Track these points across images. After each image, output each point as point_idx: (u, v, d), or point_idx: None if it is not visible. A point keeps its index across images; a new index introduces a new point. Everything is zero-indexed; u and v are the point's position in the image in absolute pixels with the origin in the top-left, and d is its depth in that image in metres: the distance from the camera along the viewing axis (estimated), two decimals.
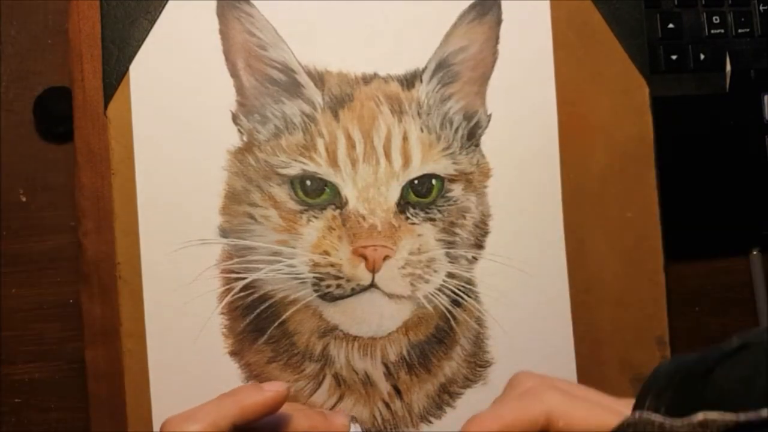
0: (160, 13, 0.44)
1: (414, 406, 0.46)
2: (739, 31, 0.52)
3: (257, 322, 0.44)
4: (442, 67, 0.46)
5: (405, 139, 0.45)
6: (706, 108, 0.51)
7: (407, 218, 0.45)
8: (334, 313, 0.45)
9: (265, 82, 0.45)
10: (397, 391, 0.45)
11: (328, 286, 0.44)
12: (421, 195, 0.45)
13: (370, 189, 0.44)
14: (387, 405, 0.45)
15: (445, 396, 0.46)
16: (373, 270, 0.44)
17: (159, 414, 0.43)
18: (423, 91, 0.46)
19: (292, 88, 0.45)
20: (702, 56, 0.51)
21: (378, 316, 0.45)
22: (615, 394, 0.37)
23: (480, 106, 0.46)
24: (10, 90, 0.47)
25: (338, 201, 0.44)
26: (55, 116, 0.46)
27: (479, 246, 0.46)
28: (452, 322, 0.46)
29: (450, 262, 0.46)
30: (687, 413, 0.26)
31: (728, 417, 0.26)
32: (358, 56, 0.45)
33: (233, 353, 0.44)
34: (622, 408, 0.32)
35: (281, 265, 0.44)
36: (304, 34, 0.45)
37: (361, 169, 0.44)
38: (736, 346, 0.29)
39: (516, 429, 0.33)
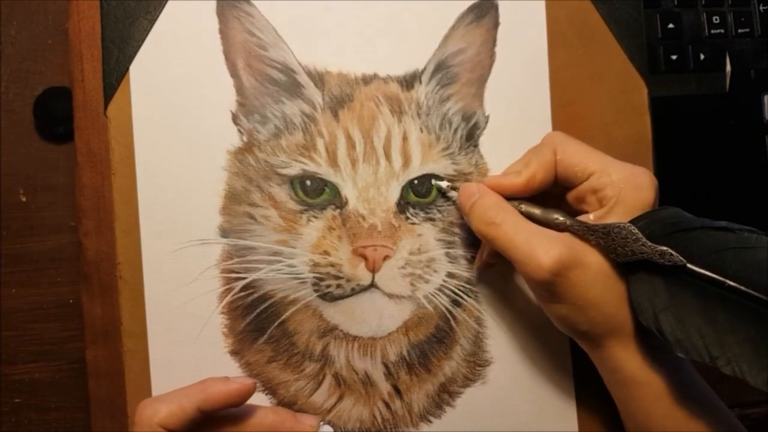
0: (160, 13, 0.44)
1: (414, 405, 0.46)
2: (739, 31, 0.52)
3: (257, 322, 0.44)
4: (441, 68, 0.46)
5: (405, 139, 0.45)
6: (706, 108, 0.51)
7: (407, 218, 0.45)
8: (334, 313, 0.45)
9: (265, 82, 0.45)
10: (397, 390, 0.46)
11: (328, 286, 0.44)
12: (421, 195, 0.45)
13: (370, 189, 0.45)
14: (387, 405, 0.45)
15: (444, 395, 0.46)
16: (373, 270, 0.44)
17: None
18: (422, 91, 0.46)
19: (292, 88, 0.45)
20: (702, 56, 0.51)
21: (378, 316, 0.45)
22: None
23: (478, 108, 0.47)
24: (10, 90, 0.47)
25: (338, 201, 0.44)
26: (55, 116, 0.46)
27: (479, 245, 0.46)
28: (452, 322, 0.46)
29: (450, 262, 0.46)
30: (658, 244, 0.36)
31: (677, 259, 0.35)
32: (358, 57, 0.45)
33: (233, 353, 0.44)
34: (615, 163, 0.40)
35: (281, 265, 0.44)
36: (304, 34, 0.45)
37: (361, 169, 0.45)
38: (720, 226, 0.36)
39: (537, 173, 0.41)
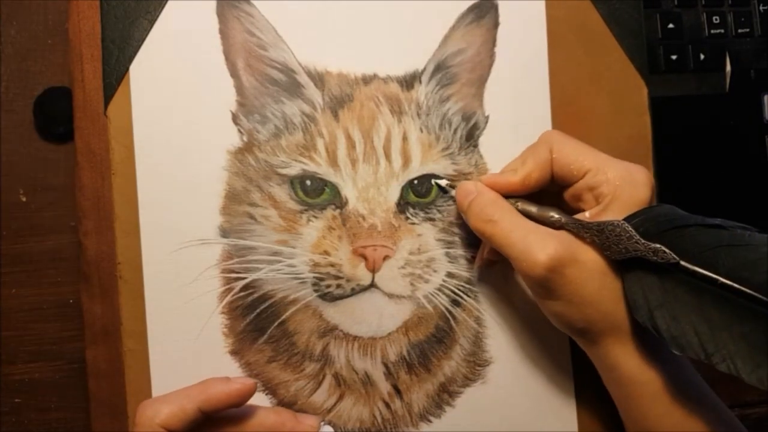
0: (160, 13, 0.44)
1: (414, 405, 0.46)
2: (739, 31, 0.52)
3: (257, 322, 0.44)
4: (441, 68, 0.46)
5: (405, 139, 0.45)
6: (706, 108, 0.51)
7: (407, 218, 0.45)
8: (334, 313, 0.45)
9: (265, 82, 0.45)
10: (397, 390, 0.46)
11: (328, 286, 0.44)
12: (421, 195, 0.45)
13: (370, 189, 0.45)
14: (387, 405, 0.45)
15: (444, 395, 0.46)
16: (373, 270, 0.44)
17: None
18: (422, 92, 0.46)
19: (292, 88, 0.45)
20: (702, 56, 0.51)
21: (378, 316, 0.45)
22: None
23: (478, 108, 0.47)
24: (10, 90, 0.47)
25: (338, 201, 0.44)
26: (55, 116, 0.46)
27: (478, 245, 0.46)
28: (452, 322, 0.46)
29: (450, 261, 0.46)
30: (652, 242, 0.36)
31: (669, 257, 0.35)
32: (358, 57, 0.45)
33: (233, 352, 0.44)
34: (611, 161, 0.40)
35: (281, 265, 0.44)
36: (304, 34, 0.45)
37: (361, 169, 0.45)
38: (714, 223, 0.36)
39: (533, 171, 0.41)
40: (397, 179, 0.45)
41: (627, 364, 0.39)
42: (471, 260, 0.46)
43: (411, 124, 0.45)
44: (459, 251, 0.46)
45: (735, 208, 0.51)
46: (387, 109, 0.45)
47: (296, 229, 0.44)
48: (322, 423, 0.44)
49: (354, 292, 0.44)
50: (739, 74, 0.51)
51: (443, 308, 0.46)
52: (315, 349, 0.45)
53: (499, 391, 0.46)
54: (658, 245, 0.36)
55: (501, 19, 0.47)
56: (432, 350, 0.46)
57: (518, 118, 0.47)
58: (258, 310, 0.44)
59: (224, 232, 0.44)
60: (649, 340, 0.38)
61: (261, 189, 0.44)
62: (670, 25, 0.51)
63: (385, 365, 0.45)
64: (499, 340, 0.47)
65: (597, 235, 0.38)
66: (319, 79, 0.45)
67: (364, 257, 0.44)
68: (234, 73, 0.44)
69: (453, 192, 0.45)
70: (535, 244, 0.38)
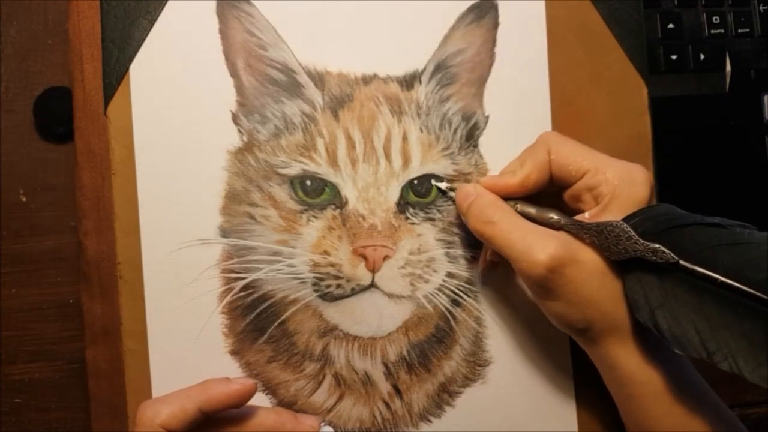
0: (160, 13, 0.44)
1: (414, 405, 0.46)
2: (739, 31, 0.52)
3: (257, 322, 0.44)
4: (441, 68, 0.46)
5: (405, 139, 0.45)
6: (706, 108, 0.51)
7: (407, 218, 0.45)
8: (334, 313, 0.45)
9: (265, 82, 0.45)
10: (397, 390, 0.46)
11: (328, 286, 0.44)
12: (421, 195, 0.45)
13: (370, 189, 0.45)
14: (387, 405, 0.45)
15: (444, 395, 0.46)
16: (373, 270, 0.44)
17: None
18: (422, 92, 0.46)
19: (292, 88, 0.45)
20: (702, 56, 0.51)
21: (378, 316, 0.45)
22: None
23: (478, 108, 0.47)
24: (10, 90, 0.47)
25: (338, 201, 0.44)
26: (55, 116, 0.46)
27: (478, 245, 0.46)
28: (452, 322, 0.46)
29: (450, 261, 0.46)
30: (651, 242, 0.36)
31: (669, 256, 0.35)
32: (358, 57, 0.45)
33: (233, 352, 0.44)
34: (609, 161, 0.40)
35: (281, 265, 0.44)
36: (304, 34, 0.45)
37: (361, 169, 0.45)
38: (713, 222, 0.36)
39: (531, 173, 0.41)
40: (397, 179, 0.45)
41: (627, 364, 0.39)
42: (471, 260, 0.46)
43: (411, 124, 0.45)
44: (459, 251, 0.46)
45: (735, 208, 0.51)
46: (387, 109, 0.45)
47: (296, 229, 0.44)
48: (323, 423, 0.44)
49: (354, 292, 0.44)
50: (739, 74, 0.51)
51: (443, 308, 0.46)
52: (315, 349, 0.45)
53: (499, 391, 0.46)
54: (657, 245, 0.36)
55: (501, 19, 0.47)
56: (432, 350, 0.46)
57: (518, 118, 0.47)
58: (258, 310, 0.44)
59: (224, 232, 0.44)
60: (649, 340, 0.38)
61: (261, 189, 0.44)
62: (670, 25, 0.51)
63: (385, 365, 0.45)
64: (499, 340, 0.47)
65: (596, 236, 0.38)
66: (319, 79, 0.45)
67: (364, 257, 0.44)
68: (234, 73, 0.44)
69: (452, 194, 0.45)
70: (535, 244, 0.38)
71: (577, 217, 0.40)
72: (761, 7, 0.52)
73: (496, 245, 0.40)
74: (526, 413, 0.47)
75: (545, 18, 0.47)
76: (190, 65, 0.44)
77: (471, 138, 0.46)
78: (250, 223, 0.44)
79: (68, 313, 0.47)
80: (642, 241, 0.36)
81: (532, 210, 0.41)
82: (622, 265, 0.38)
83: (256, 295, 0.44)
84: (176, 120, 0.44)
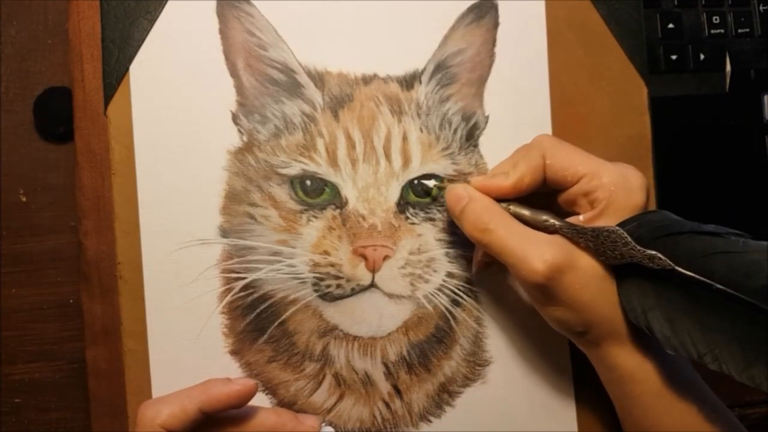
0: (160, 13, 0.44)
1: (414, 405, 0.46)
2: (739, 31, 0.52)
3: (257, 322, 0.44)
4: (441, 68, 0.46)
5: (405, 139, 0.45)
6: (706, 108, 0.51)
7: (407, 218, 0.45)
8: (334, 313, 0.45)
9: (265, 82, 0.45)
10: (397, 390, 0.46)
11: (328, 286, 0.44)
12: (421, 195, 0.45)
13: (370, 189, 0.45)
14: (387, 405, 0.45)
15: (444, 395, 0.46)
16: (373, 270, 0.44)
17: None
18: (422, 92, 0.46)
19: (292, 88, 0.45)
20: (702, 56, 0.51)
21: (378, 316, 0.45)
22: None
23: (478, 108, 0.47)
24: (10, 90, 0.47)
25: (338, 201, 0.44)
26: (55, 116, 0.46)
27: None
28: (452, 322, 0.46)
29: (449, 261, 0.46)
30: (647, 248, 0.36)
31: (665, 263, 0.36)
32: (358, 57, 0.45)
33: (233, 352, 0.44)
34: (605, 165, 0.40)
35: (281, 265, 0.44)
36: (304, 34, 0.45)
37: (361, 169, 0.45)
38: (708, 230, 0.36)
39: (524, 176, 0.40)
40: (397, 179, 0.45)
41: (626, 364, 0.39)
42: (471, 260, 0.46)
43: (411, 124, 0.45)
44: (459, 251, 0.46)
45: (735, 209, 0.51)
46: (387, 109, 0.45)
47: (296, 229, 0.44)
48: (323, 423, 0.44)
49: (354, 292, 0.44)
50: (739, 74, 0.51)
51: (443, 308, 0.46)
52: (315, 349, 0.45)
53: (499, 391, 0.46)
54: (653, 252, 0.36)
55: (501, 19, 0.47)
56: (432, 350, 0.46)
57: (518, 118, 0.47)
58: (258, 310, 0.44)
59: (224, 232, 0.44)
60: (647, 341, 0.38)
61: (261, 189, 0.44)
62: (670, 25, 0.50)
63: (385, 365, 0.45)
64: (499, 340, 0.47)
65: (592, 241, 0.38)
66: (319, 79, 0.45)
67: (364, 257, 0.44)
68: (234, 73, 0.44)
69: (442, 193, 0.44)
70: (533, 251, 0.38)
71: (571, 220, 0.40)
72: (761, 7, 0.52)
73: (493, 252, 0.40)
74: (526, 413, 0.47)
75: (545, 18, 0.47)
76: (190, 65, 0.44)
77: (471, 138, 0.46)
78: (250, 223, 0.44)
79: (68, 313, 0.47)
80: (639, 248, 0.36)
81: (525, 212, 0.40)
82: (616, 269, 0.38)
83: (256, 295, 0.44)
84: (176, 120, 0.44)
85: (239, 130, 0.44)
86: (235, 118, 0.44)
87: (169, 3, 0.44)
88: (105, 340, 0.43)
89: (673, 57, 0.50)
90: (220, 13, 0.44)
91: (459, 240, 0.46)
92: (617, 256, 0.37)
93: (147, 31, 0.44)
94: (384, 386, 0.45)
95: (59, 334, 0.47)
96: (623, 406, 0.41)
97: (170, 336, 0.43)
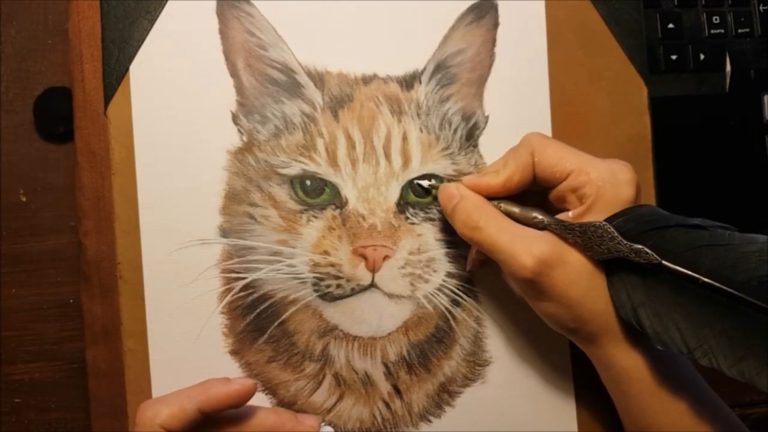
0: (160, 13, 0.44)
1: (414, 405, 0.46)
2: (739, 31, 0.52)
3: (257, 322, 0.44)
4: (441, 68, 0.46)
5: (404, 139, 0.45)
6: (706, 108, 0.51)
7: (407, 218, 0.45)
8: (334, 313, 0.45)
9: (265, 82, 0.45)
10: (397, 390, 0.46)
11: (328, 286, 0.44)
12: (421, 195, 0.45)
13: (370, 189, 0.45)
14: (387, 405, 0.45)
15: (444, 395, 0.46)
16: (373, 270, 0.44)
17: None
18: (422, 92, 0.46)
19: (292, 88, 0.45)
20: (702, 56, 0.51)
21: (378, 315, 0.45)
22: None
23: (478, 108, 0.47)
24: (10, 90, 0.47)
25: (338, 201, 0.44)
26: (55, 116, 0.46)
27: None
28: (452, 322, 0.46)
29: (449, 261, 0.46)
30: (634, 242, 0.36)
31: (651, 257, 0.36)
32: (358, 57, 0.45)
33: (233, 352, 0.44)
34: (593, 161, 0.40)
35: (281, 265, 0.44)
36: (304, 34, 0.45)
37: (361, 169, 0.45)
38: (694, 224, 0.37)
39: (514, 174, 0.41)
40: (397, 179, 0.45)
41: (622, 362, 0.39)
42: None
43: (411, 124, 0.45)
44: (459, 251, 0.46)
45: (735, 208, 0.51)
46: (387, 109, 0.45)
47: (296, 229, 0.44)
48: (323, 423, 0.44)
49: (354, 292, 0.44)
50: (739, 74, 0.51)
51: (443, 308, 0.46)
52: (315, 349, 0.45)
53: (499, 391, 0.46)
54: (640, 246, 0.36)
55: (501, 19, 0.47)
56: (432, 350, 0.46)
57: (518, 118, 0.47)
58: (258, 310, 0.44)
59: (224, 232, 0.44)
60: (643, 338, 0.38)
61: (261, 189, 0.44)
62: (670, 25, 0.51)
63: (385, 365, 0.45)
64: (499, 340, 0.47)
65: (580, 236, 0.38)
66: (319, 79, 0.45)
67: (364, 257, 0.44)
68: (234, 73, 0.44)
69: (434, 192, 0.44)
70: (521, 247, 0.38)
71: (560, 216, 0.40)
72: (761, 7, 0.52)
73: (484, 249, 0.40)
74: (526, 413, 0.47)
75: (545, 18, 0.47)
76: (190, 65, 0.44)
77: (471, 138, 0.46)
78: (250, 223, 0.44)
79: (68, 313, 0.47)
80: (625, 242, 0.37)
81: (515, 209, 0.41)
82: (606, 264, 0.38)
83: (256, 295, 0.44)
84: (176, 120, 0.44)
85: (239, 130, 0.44)
86: (235, 118, 0.44)
87: (169, 3, 0.44)
88: (105, 340, 0.43)
89: (673, 57, 0.50)
90: (220, 13, 0.44)
91: (459, 240, 0.46)
92: (604, 251, 0.37)
93: (147, 31, 0.44)
94: (384, 386, 0.45)
95: (59, 334, 0.47)
96: (622, 404, 0.41)
97: (170, 336, 0.43)
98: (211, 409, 0.39)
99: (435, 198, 0.45)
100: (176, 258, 0.43)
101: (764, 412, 0.51)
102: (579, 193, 0.40)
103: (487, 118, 0.47)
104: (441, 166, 0.45)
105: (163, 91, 0.44)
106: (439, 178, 0.45)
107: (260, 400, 0.44)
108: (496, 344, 0.47)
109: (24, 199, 0.47)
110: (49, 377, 0.47)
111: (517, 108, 0.47)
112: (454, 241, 0.46)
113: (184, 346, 0.44)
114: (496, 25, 0.47)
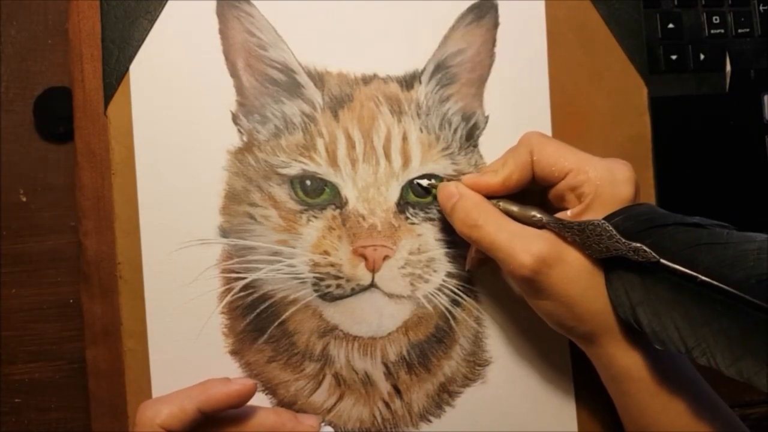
0: (160, 13, 0.44)
1: (414, 405, 0.46)
2: (739, 31, 0.52)
3: (257, 322, 0.44)
4: (441, 68, 0.46)
5: (404, 139, 0.45)
6: (706, 108, 0.51)
7: (407, 218, 0.45)
8: (334, 313, 0.45)
9: (265, 82, 0.45)
10: (397, 390, 0.46)
11: (328, 286, 0.44)
12: (421, 195, 0.45)
13: (370, 189, 0.45)
14: (387, 404, 0.45)
15: (444, 395, 0.46)
16: (373, 270, 0.44)
17: None
18: (422, 92, 0.46)
19: (292, 88, 0.45)
20: (702, 56, 0.51)
21: (378, 315, 0.45)
22: None
23: (478, 108, 0.47)
24: (10, 90, 0.47)
25: (338, 201, 0.44)
26: (55, 116, 0.46)
27: None
28: (452, 322, 0.46)
29: (449, 261, 0.46)
30: (632, 241, 0.37)
31: (650, 255, 0.36)
32: (358, 57, 0.45)
33: (233, 352, 0.44)
34: (591, 160, 0.40)
35: (281, 265, 0.44)
36: (304, 34, 0.45)
37: (361, 169, 0.45)
38: (692, 222, 0.37)
39: (513, 173, 0.41)
40: (397, 179, 0.45)
41: (622, 361, 0.39)
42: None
43: (411, 124, 0.45)
44: (459, 251, 0.46)
45: (735, 208, 0.51)
46: (387, 109, 0.45)
47: (296, 229, 0.44)
48: (323, 423, 0.44)
49: (354, 292, 0.44)
50: (739, 74, 0.51)
51: (443, 308, 0.46)
52: (315, 349, 0.45)
53: (499, 391, 0.46)
54: (638, 244, 0.36)
55: (501, 19, 0.47)
56: (432, 350, 0.46)
57: (518, 118, 0.47)
58: (258, 310, 0.44)
59: (224, 232, 0.44)
60: (643, 337, 0.38)
61: (261, 189, 0.44)
62: (670, 25, 0.51)
63: (385, 365, 0.45)
64: (499, 340, 0.47)
65: (578, 235, 0.38)
66: (319, 79, 0.45)
67: (364, 257, 0.44)
68: (234, 73, 0.44)
69: (434, 191, 0.44)
70: (520, 245, 0.38)
71: (559, 215, 0.40)
72: (761, 7, 0.52)
73: (483, 247, 0.40)
74: (526, 413, 0.47)
75: (545, 18, 0.47)
76: (190, 65, 0.44)
77: (471, 138, 0.46)
78: (250, 223, 0.44)
79: (68, 313, 0.47)
80: (623, 240, 0.37)
81: (514, 208, 0.41)
82: (605, 263, 0.38)
83: (256, 295, 0.44)
84: (176, 120, 0.44)
85: (239, 130, 0.44)
86: (235, 118, 0.44)
87: (169, 3, 0.44)
88: (105, 340, 0.43)
89: (673, 57, 0.50)
90: (220, 13, 0.45)
91: (459, 240, 0.46)
92: (603, 250, 0.37)
93: (147, 31, 0.44)
94: (384, 386, 0.45)
95: (59, 334, 0.47)
96: (622, 404, 0.41)
97: (170, 336, 0.43)
98: (211, 409, 0.39)
99: (435, 197, 0.45)
100: (176, 258, 0.43)
101: (764, 412, 0.51)
102: (577, 191, 0.40)
103: (487, 118, 0.47)
104: (441, 166, 0.45)
105: (163, 91, 0.44)
106: (439, 178, 0.45)
107: (260, 400, 0.44)
108: (496, 344, 0.47)
109: (24, 199, 0.47)
110: (49, 377, 0.47)
111: (517, 108, 0.47)
112: (454, 241, 0.46)
113: (184, 346, 0.44)
114: (496, 25, 0.47)
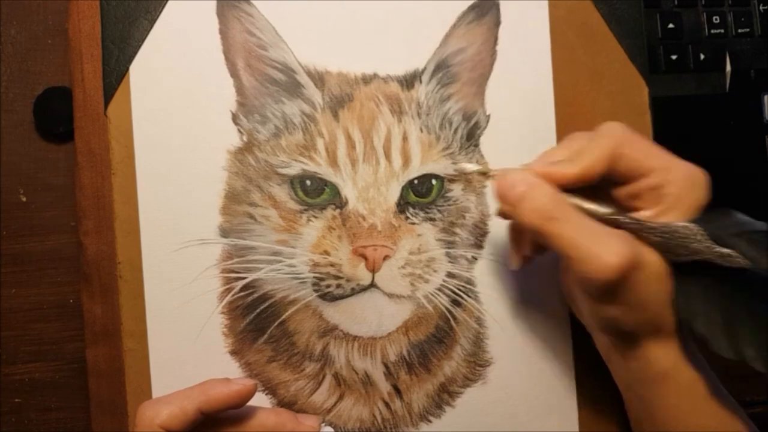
0: (160, 13, 0.44)
1: (414, 405, 0.46)
2: (739, 31, 0.52)
3: (257, 322, 0.44)
4: (441, 67, 0.46)
5: (405, 139, 0.45)
6: (706, 108, 0.51)
7: (407, 218, 0.45)
8: (334, 313, 0.45)
9: (265, 82, 0.45)
10: (397, 390, 0.46)
11: (328, 286, 0.44)
12: (421, 195, 0.45)
13: (370, 189, 0.45)
14: (387, 405, 0.45)
15: (444, 395, 0.46)
16: (373, 270, 0.44)
17: None
18: (422, 91, 0.46)
19: (292, 88, 0.45)
20: (702, 56, 0.51)
21: (378, 315, 0.45)
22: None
23: (479, 107, 0.47)
24: (10, 90, 0.47)
25: (338, 201, 0.44)
26: (55, 116, 0.46)
27: (479, 246, 0.46)
28: (452, 322, 0.46)
29: (450, 261, 0.46)
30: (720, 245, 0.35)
31: (741, 262, 0.34)
32: (358, 57, 0.45)
33: (233, 352, 0.44)
34: (676, 161, 0.38)
35: (281, 264, 0.44)
36: (304, 34, 0.45)
37: (361, 169, 0.45)
38: None
39: (595, 165, 0.38)
40: (397, 179, 0.45)
41: (662, 362, 0.38)
42: (471, 260, 0.46)
43: (411, 124, 0.45)
44: (459, 251, 0.46)
45: (735, 208, 0.51)
46: (387, 109, 0.45)
47: (296, 229, 0.44)
48: (323, 424, 0.44)
49: (354, 292, 0.44)
50: (739, 74, 0.51)
51: (443, 308, 0.46)
52: (315, 349, 0.45)
53: (500, 392, 0.46)
54: (728, 250, 0.35)
55: (503, 17, 0.47)
56: (432, 350, 0.46)
57: (520, 117, 0.47)
58: (258, 310, 0.44)
59: (224, 232, 0.44)
60: (684, 340, 0.38)
61: (261, 189, 0.44)
62: (670, 25, 0.51)
63: (385, 365, 0.45)
64: (500, 341, 0.47)
65: (661, 236, 0.36)
66: (319, 78, 0.45)
67: (364, 257, 0.44)
68: (234, 73, 0.45)
69: (491, 174, 0.42)
70: (605, 246, 0.35)
71: (636, 215, 0.38)
72: (761, 7, 0.52)
73: (558, 244, 0.37)
74: (527, 414, 0.46)
75: (548, 16, 0.47)
76: (190, 65, 0.44)
77: (472, 137, 0.46)
78: (250, 223, 0.44)
79: (68, 313, 0.47)
80: (714, 246, 0.35)
81: (586, 204, 0.38)
82: (676, 266, 0.37)
83: (256, 295, 0.44)
84: (176, 120, 0.44)
85: (239, 130, 0.44)
86: (235, 118, 0.44)
87: (169, 3, 0.44)
88: (105, 340, 0.43)
89: (674, 57, 0.50)
90: (220, 13, 0.45)
91: (459, 240, 0.46)
92: (683, 253, 0.36)
93: (147, 31, 0.44)
94: (384, 386, 0.45)
95: (59, 334, 0.47)
96: (647, 406, 0.40)
97: (170, 336, 0.43)
98: (211, 410, 0.39)
99: (435, 198, 0.45)
100: (176, 258, 0.43)
101: (764, 411, 0.51)
102: (660, 191, 0.37)
103: (488, 117, 0.47)
104: (441, 166, 0.45)
105: (163, 91, 0.44)
106: (440, 178, 0.45)
107: (260, 400, 0.44)
108: (497, 345, 0.47)
109: (24, 199, 0.47)
110: (49, 377, 0.47)
111: (519, 107, 0.47)
112: (455, 241, 0.46)
113: (184, 346, 0.44)
114: (497, 23, 0.47)
